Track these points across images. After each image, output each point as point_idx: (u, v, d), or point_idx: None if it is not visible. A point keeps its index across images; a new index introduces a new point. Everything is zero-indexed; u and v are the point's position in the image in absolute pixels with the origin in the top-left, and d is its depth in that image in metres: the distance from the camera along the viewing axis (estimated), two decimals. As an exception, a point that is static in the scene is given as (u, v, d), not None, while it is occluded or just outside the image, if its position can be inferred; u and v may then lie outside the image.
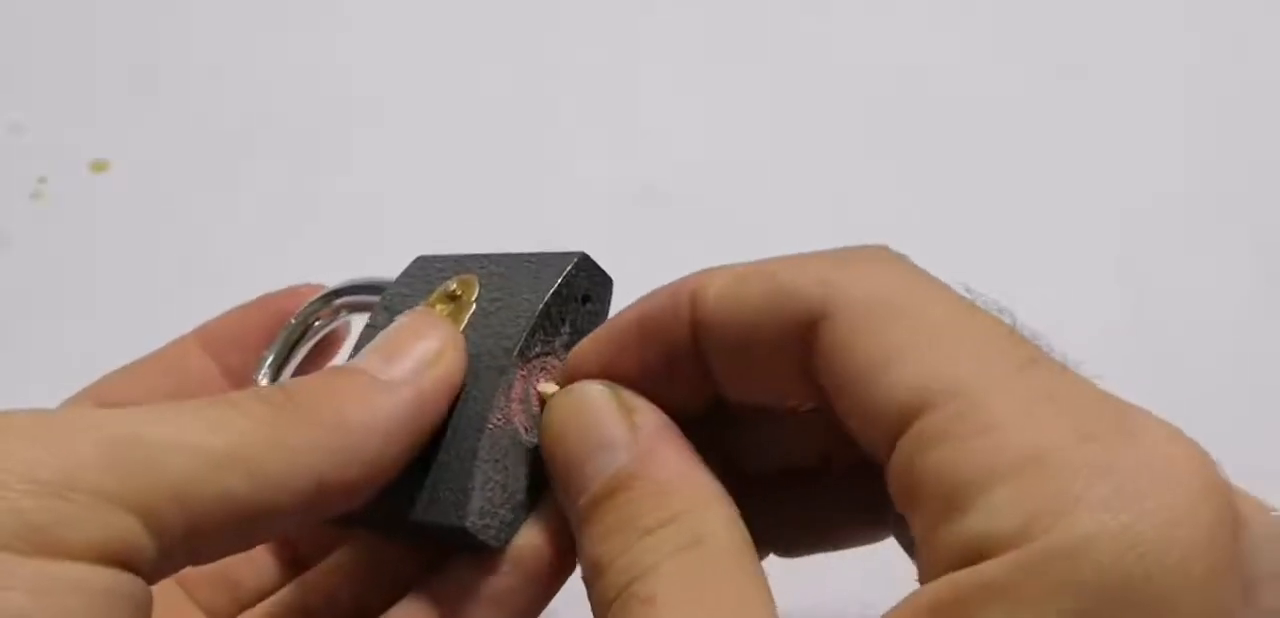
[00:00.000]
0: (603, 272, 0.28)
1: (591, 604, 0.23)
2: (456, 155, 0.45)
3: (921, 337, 0.21)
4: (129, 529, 0.20)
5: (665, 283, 0.25)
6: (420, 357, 0.25)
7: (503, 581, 0.26)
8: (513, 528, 0.26)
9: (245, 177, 0.45)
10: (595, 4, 0.50)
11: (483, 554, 0.25)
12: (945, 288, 0.22)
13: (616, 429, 0.24)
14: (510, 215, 0.43)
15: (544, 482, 0.26)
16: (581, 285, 0.27)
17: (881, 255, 0.23)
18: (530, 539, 0.26)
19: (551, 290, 0.27)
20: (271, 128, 0.46)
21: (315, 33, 0.50)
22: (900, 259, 0.23)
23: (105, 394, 0.31)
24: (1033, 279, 0.41)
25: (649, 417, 0.24)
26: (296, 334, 0.32)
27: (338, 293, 0.32)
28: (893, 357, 0.21)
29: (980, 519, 0.18)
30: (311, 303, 0.32)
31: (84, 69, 0.48)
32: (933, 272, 0.23)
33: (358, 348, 0.28)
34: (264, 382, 0.31)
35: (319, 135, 0.46)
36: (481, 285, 0.28)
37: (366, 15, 0.50)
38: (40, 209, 0.44)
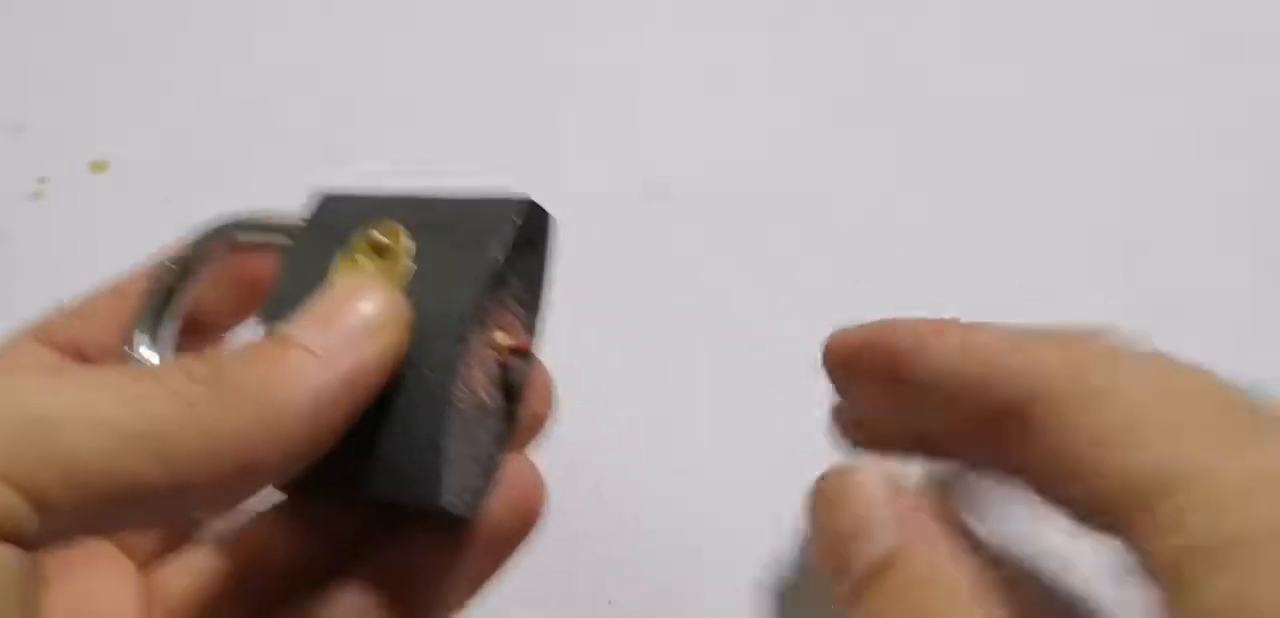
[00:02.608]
0: (544, 211, 0.26)
1: None
2: (456, 155, 0.45)
3: (1148, 421, 0.22)
4: (11, 506, 0.20)
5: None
6: (360, 325, 0.24)
7: (467, 550, 0.25)
8: (483, 495, 0.25)
9: (245, 178, 0.45)
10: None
11: (445, 523, 0.24)
12: (1161, 363, 0.23)
13: (887, 512, 0.25)
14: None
15: (505, 442, 0.25)
16: (526, 232, 0.26)
17: (1091, 338, 0.24)
18: (496, 506, 0.25)
19: (500, 246, 0.25)
20: (272, 128, 0.46)
21: (316, 32, 0.50)
22: (1110, 340, 0.24)
23: (53, 333, 0.29)
24: (1035, 270, 0.42)
25: (910, 499, 0.25)
26: (175, 277, 0.28)
27: (227, 229, 0.29)
28: (1118, 442, 0.22)
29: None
30: (195, 240, 0.28)
31: (85, 69, 0.48)
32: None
33: (271, 302, 0.26)
34: (143, 337, 0.28)
35: (320, 135, 0.46)
36: (413, 236, 0.25)
37: (367, 13, 0.50)
38: (40, 209, 0.44)
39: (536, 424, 0.29)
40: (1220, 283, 0.42)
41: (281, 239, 0.27)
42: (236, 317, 0.30)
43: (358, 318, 0.24)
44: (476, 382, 0.25)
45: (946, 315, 0.26)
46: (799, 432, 0.33)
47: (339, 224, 0.26)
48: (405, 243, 0.25)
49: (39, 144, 0.46)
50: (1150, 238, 0.42)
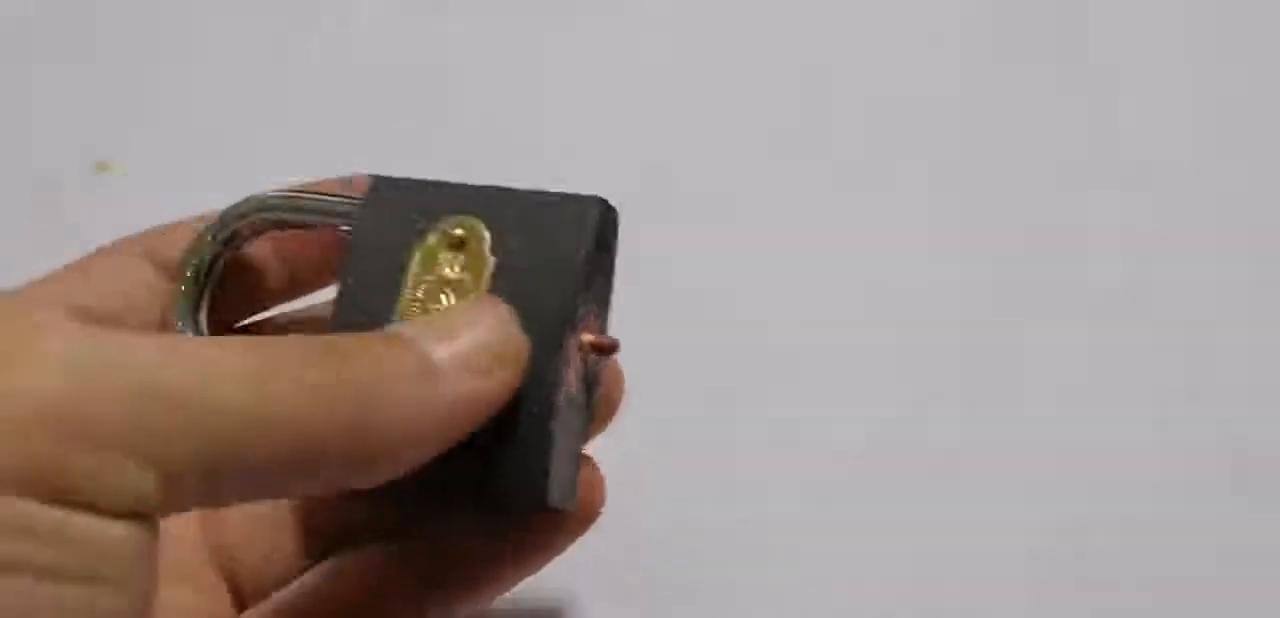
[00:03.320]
0: (613, 208, 0.27)
1: None
2: (459, 145, 0.45)
3: None
4: (147, 485, 0.20)
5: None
6: (483, 355, 0.24)
7: (533, 539, 0.27)
8: (576, 485, 0.26)
9: (247, 179, 0.44)
10: None
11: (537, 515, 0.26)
12: None
13: None
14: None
15: (587, 432, 0.27)
16: (604, 232, 0.27)
17: None
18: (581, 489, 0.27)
19: (587, 250, 0.25)
20: (276, 128, 0.46)
21: (321, 27, 0.50)
22: None
23: (154, 248, 0.29)
24: (1042, 273, 0.42)
25: None
26: (214, 251, 0.28)
27: (270, 205, 0.28)
28: None
29: None
30: (239, 214, 0.28)
31: (86, 67, 0.48)
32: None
33: (345, 294, 0.26)
34: (185, 308, 0.28)
35: (322, 134, 0.46)
36: (491, 233, 0.26)
37: (373, 4, 0.50)
38: (42, 209, 0.44)
39: (610, 409, 0.30)
40: (1219, 280, 0.42)
41: (332, 222, 0.27)
42: (285, 292, 0.30)
43: (482, 347, 0.24)
44: (573, 383, 0.26)
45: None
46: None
47: (405, 214, 0.26)
48: (485, 238, 0.26)
49: (42, 143, 0.46)
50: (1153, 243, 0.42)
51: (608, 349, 0.26)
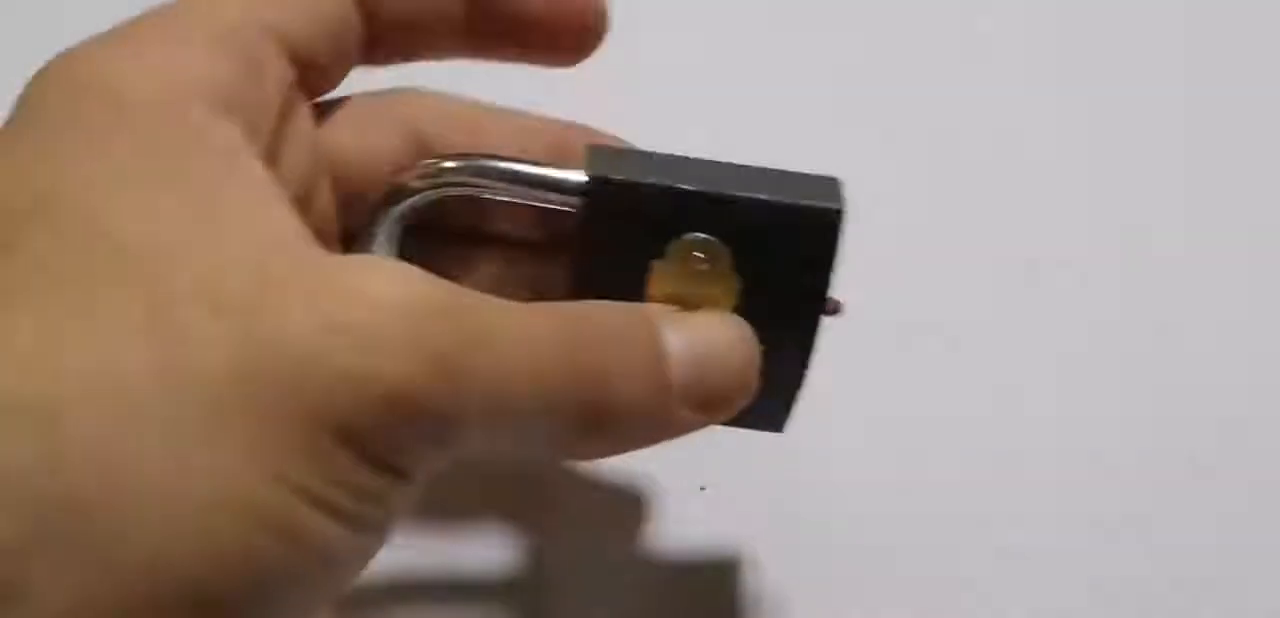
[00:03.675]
0: (843, 203, 0.27)
1: None
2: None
3: None
4: (436, 457, 0.21)
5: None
6: (717, 390, 0.25)
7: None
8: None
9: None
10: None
11: None
12: None
13: None
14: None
15: None
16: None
17: None
18: None
19: (837, 248, 0.27)
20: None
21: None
22: None
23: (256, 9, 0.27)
24: (1041, 270, 0.42)
25: None
26: (413, 206, 0.27)
27: (487, 170, 0.27)
28: None
29: None
30: (449, 170, 0.27)
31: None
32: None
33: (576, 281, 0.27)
34: (382, 238, 0.27)
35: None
36: (732, 250, 0.27)
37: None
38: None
39: None
40: (1219, 281, 0.42)
41: (556, 204, 0.27)
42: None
43: (717, 359, 0.25)
44: None
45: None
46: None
47: (636, 224, 0.27)
48: (725, 256, 0.26)
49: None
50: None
51: (834, 311, 0.28)
